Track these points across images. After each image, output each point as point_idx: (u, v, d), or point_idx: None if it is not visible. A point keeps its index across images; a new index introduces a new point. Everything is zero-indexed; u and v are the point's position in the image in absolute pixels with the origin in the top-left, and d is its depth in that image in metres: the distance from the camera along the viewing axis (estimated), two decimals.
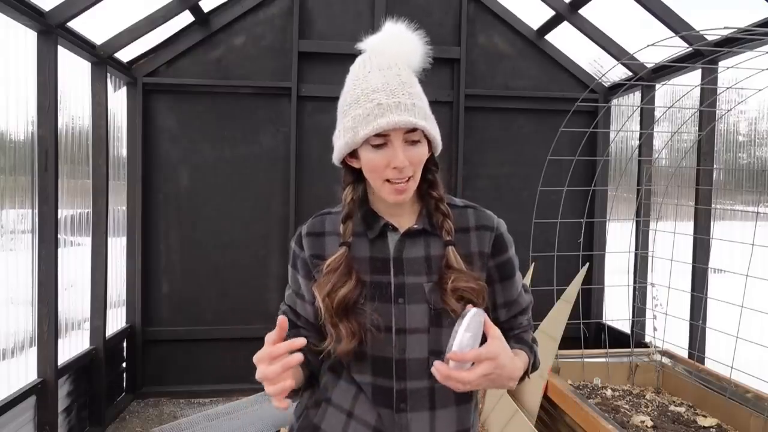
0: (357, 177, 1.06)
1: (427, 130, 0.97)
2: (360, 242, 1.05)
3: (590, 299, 4.06)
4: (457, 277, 0.98)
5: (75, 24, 2.89)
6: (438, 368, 0.84)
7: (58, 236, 2.75)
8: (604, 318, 3.56)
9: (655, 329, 2.87)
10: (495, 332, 0.89)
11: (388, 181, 0.98)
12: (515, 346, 1.07)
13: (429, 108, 1.02)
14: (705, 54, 3.03)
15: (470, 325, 0.85)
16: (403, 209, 1.07)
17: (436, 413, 1.01)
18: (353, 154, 1.02)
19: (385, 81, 0.97)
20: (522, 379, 1.05)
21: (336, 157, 1.05)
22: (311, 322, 1.08)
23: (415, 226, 1.05)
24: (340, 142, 1.01)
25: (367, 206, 1.08)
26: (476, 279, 1.00)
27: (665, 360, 2.87)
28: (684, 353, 2.95)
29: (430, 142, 1.02)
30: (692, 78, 3.38)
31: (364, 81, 0.98)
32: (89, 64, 3.26)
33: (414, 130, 0.96)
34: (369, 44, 1.03)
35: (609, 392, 2.72)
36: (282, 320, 0.88)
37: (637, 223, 3.57)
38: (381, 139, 0.96)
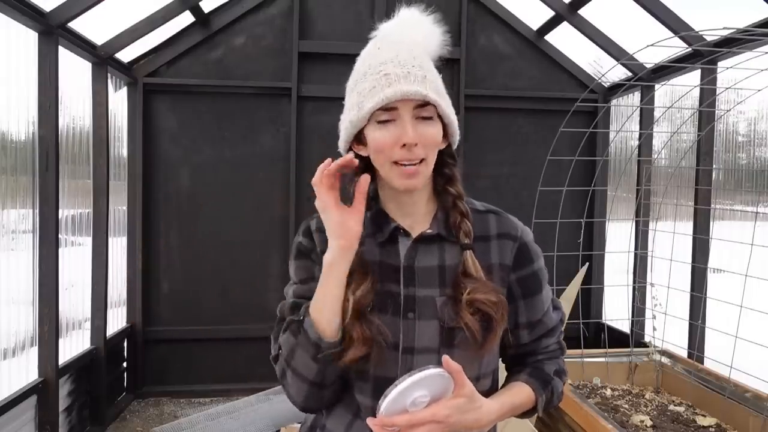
0: (366, 167, 0.94)
1: (441, 108, 0.87)
2: (370, 244, 0.94)
3: (590, 299, 4.06)
4: (474, 287, 0.86)
5: (76, 24, 2.90)
6: (369, 421, 0.79)
7: (59, 236, 2.76)
8: (603, 318, 3.56)
9: (654, 329, 2.88)
10: (463, 390, 0.81)
11: (396, 163, 0.87)
12: (522, 379, 0.96)
13: (445, 90, 0.92)
14: (704, 54, 3.03)
15: (423, 383, 0.78)
16: (416, 209, 0.95)
17: None
18: (360, 139, 0.91)
19: (396, 53, 0.88)
20: (528, 415, 0.98)
21: (342, 144, 0.94)
22: None
23: (429, 231, 0.93)
24: (345, 122, 0.91)
25: (378, 205, 0.97)
26: (497, 291, 0.88)
27: (664, 360, 2.87)
28: (683, 353, 2.95)
29: (445, 128, 0.91)
30: (691, 78, 3.39)
31: (373, 56, 0.90)
32: (90, 64, 3.27)
33: (425, 104, 0.86)
34: (382, 30, 0.96)
35: (608, 392, 2.73)
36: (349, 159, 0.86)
37: (637, 223, 3.57)
38: (388, 115, 0.86)
